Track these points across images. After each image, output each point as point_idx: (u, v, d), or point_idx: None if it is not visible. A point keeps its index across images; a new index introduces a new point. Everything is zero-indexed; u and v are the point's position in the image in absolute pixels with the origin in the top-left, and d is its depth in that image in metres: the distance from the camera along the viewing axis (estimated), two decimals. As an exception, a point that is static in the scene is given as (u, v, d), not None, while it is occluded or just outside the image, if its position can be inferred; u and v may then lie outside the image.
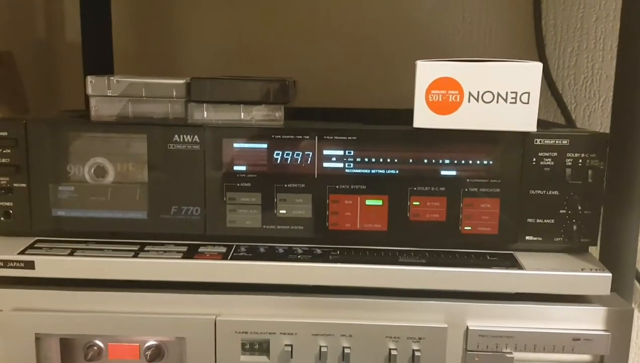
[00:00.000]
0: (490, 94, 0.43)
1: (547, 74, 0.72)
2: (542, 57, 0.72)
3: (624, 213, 0.52)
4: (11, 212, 0.48)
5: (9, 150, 0.47)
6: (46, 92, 0.77)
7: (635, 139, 0.52)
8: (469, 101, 0.43)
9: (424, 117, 0.44)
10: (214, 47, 0.76)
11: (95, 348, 0.47)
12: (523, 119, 0.43)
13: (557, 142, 0.45)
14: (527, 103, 0.43)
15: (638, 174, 0.52)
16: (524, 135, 0.45)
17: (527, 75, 0.43)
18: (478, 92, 0.43)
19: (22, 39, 0.72)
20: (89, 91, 0.48)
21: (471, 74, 0.43)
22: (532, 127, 0.44)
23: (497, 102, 0.43)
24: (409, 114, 0.45)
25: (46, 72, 0.77)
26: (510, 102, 0.43)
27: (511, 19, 0.73)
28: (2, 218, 0.48)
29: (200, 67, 0.76)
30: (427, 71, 0.43)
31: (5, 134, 0.47)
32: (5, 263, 0.46)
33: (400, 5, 0.74)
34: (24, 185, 0.47)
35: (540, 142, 0.45)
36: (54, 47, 0.77)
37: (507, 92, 0.43)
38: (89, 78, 0.48)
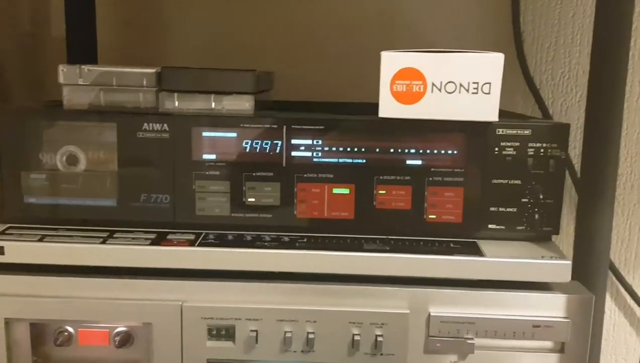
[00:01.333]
0: (453, 85, 0.44)
1: (524, 69, 0.73)
2: (520, 52, 0.72)
3: (597, 204, 0.53)
4: (-17, 199, 0.49)
5: (-19, 138, 0.48)
6: (31, 84, 0.77)
7: (608, 131, 0.53)
8: (432, 91, 0.44)
9: (388, 107, 0.45)
10: (199, 40, 0.76)
11: (66, 333, 0.47)
12: (485, 109, 0.44)
13: (519, 132, 0.46)
14: (489, 93, 0.44)
15: (611, 166, 0.53)
16: (487, 125, 0.46)
17: (488, 65, 0.43)
18: (441, 82, 0.44)
19: (7, 32, 0.73)
20: (61, 80, 0.49)
21: (434, 65, 0.44)
22: (493, 116, 0.44)
23: (460, 92, 0.44)
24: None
25: (31, 64, 0.77)
26: (472, 93, 0.44)
27: (489, 15, 0.73)
28: (-26, 205, 0.49)
29: (185, 60, 0.77)
30: (391, 61, 0.44)
31: (-22, 122, 0.48)
32: (-24, 249, 0.46)
33: (383, 2, 0.74)
34: (-4, 172, 0.48)
35: (503, 132, 0.46)
36: (38, 40, 0.78)
37: (469, 83, 0.44)
38: (60, 67, 0.49)
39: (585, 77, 0.70)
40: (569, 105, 0.74)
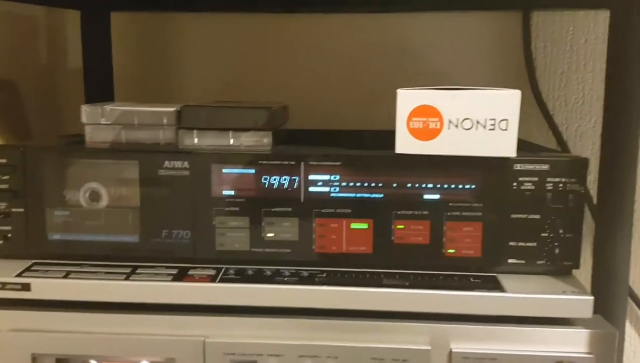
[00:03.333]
0: (470, 121, 0.44)
1: (537, 96, 0.73)
2: (532, 80, 0.73)
3: (615, 234, 0.52)
4: (9, 235, 0.50)
5: (7, 177, 0.49)
6: (49, 117, 0.79)
7: (625, 157, 0.53)
8: (448, 128, 0.45)
9: (405, 143, 0.45)
10: (212, 73, 0.78)
11: (90, 368, 0.48)
12: (502, 144, 0.44)
13: (537, 167, 0.46)
14: (506, 129, 0.44)
15: (628, 195, 0.53)
16: (504, 161, 0.46)
17: (505, 102, 0.44)
18: (457, 119, 0.44)
19: (26, 67, 0.75)
20: (84, 119, 0.50)
21: (450, 102, 0.44)
22: (511, 152, 0.45)
23: (477, 128, 0.44)
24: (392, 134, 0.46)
25: (49, 99, 0.79)
26: (489, 129, 0.44)
27: (501, 42, 0.74)
28: (0, 242, 0.50)
29: (199, 93, 0.78)
30: (407, 99, 0.45)
31: (4, 161, 0.49)
32: (3, 286, 0.47)
33: (395, 34, 0.75)
34: (21, 209, 0.49)
35: (521, 167, 0.46)
36: (56, 74, 0.80)
37: (485, 119, 0.44)
38: (83, 107, 0.50)
39: (599, 103, 0.70)
40: (584, 131, 0.74)
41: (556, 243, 0.46)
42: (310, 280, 0.47)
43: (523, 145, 0.57)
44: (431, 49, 0.75)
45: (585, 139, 0.74)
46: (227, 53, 0.77)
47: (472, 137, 0.44)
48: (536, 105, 0.73)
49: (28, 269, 0.49)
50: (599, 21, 0.72)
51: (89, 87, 0.73)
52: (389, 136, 0.46)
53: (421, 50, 0.75)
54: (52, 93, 0.79)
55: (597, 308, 0.54)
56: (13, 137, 0.68)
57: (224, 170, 0.48)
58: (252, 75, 0.77)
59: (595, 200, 0.57)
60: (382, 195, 0.48)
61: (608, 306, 0.53)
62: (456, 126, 0.44)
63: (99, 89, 0.73)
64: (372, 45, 0.76)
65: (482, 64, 0.75)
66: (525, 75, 0.73)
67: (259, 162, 0.48)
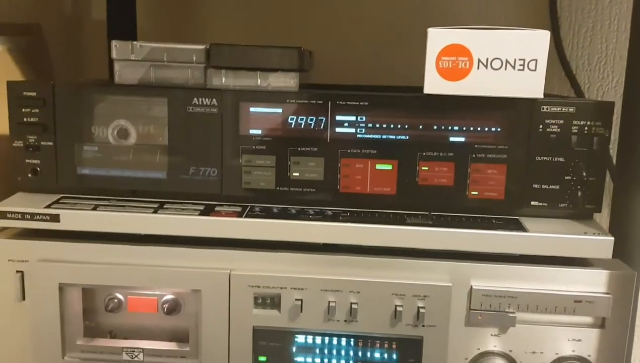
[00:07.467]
0: (499, 61, 0.44)
1: (561, 54, 0.73)
2: (556, 38, 0.73)
3: (634, 182, 0.53)
4: (38, 169, 0.50)
5: (37, 110, 0.50)
6: (72, 62, 0.80)
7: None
8: (478, 68, 0.45)
9: (434, 83, 0.46)
10: (236, 21, 0.78)
11: (116, 300, 0.49)
12: (530, 85, 0.45)
13: (563, 109, 0.46)
14: (535, 70, 0.44)
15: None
16: (531, 102, 0.46)
17: (535, 42, 0.44)
18: (487, 58, 0.45)
19: (50, 12, 0.75)
20: (114, 55, 0.50)
21: (480, 41, 0.44)
22: (539, 93, 0.45)
23: (506, 68, 0.44)
24: (419, 90, 0.46)
25: (72, 43, 0.80)
26: (518, 69, 0.44)
27: (526, 1, 0.73)
28: (30, 175, 0.51)
29: (221, 40, 0.78)
30: (438, 38, 0.45)
31: (34, 94, 0.49)
32: (32, 216, 0.48)
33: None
34: (50, 143, 0.50)
35: (547, 109, 0.46)
36: (80, 20, 0.80)
37: (515, 59, 0.44)
38: (113, 42, 0.50)
39: (622, 63, 0.70)
40: (605, 91, 0.74)
41: (579, 186, 0.47)
42: (334, 218, 0.48)
43: (547, 96, 0.57)
44: (459, 8, 0.74)
45: (607, 98, 0.74)
46: (252, 3, 0.77)
47: (500, 78, 0.45)
48: (559, 64, 0.73)
49: (57, 202, 0.50)
50: (625, -20, 0.72)
51: (112, 34, 0.73)
52: (411, 90, 0.46)
53: (448, 9, 0.75)
54: (76, 39, 0.80)
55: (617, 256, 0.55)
56: (37, 79, 0.68)
57: (252, 109, 0.49)
58: (276, 25, 0.77)
59: (614, 158, 0.57)
60: (407, 137, 0.48)
61: (627, 254, 0.53)
62: (485, 66, 0.45)
63: (122, 36, 0.73)
64: (401, 2, 0.75)
65: (509, 21, 0.74)
66: (550, 33, 0.72)
67: (287, 101, 0.48)
